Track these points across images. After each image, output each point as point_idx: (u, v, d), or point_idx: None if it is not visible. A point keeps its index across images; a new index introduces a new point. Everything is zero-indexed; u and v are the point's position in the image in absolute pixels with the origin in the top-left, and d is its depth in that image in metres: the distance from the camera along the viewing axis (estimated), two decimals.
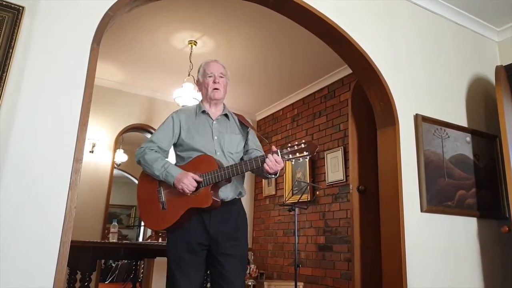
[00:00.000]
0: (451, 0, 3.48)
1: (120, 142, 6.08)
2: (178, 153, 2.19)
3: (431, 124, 3.14)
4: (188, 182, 1.96)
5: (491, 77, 3.60)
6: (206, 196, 1.97)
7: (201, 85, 2.27)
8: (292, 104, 5.74)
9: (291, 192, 4.90)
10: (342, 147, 4.58)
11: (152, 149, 2.13)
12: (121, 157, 7.43)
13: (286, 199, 5.05)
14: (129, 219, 11.42)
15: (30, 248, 1.73)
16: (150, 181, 2.13)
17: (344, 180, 4.45)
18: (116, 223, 3.95)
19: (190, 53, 4.43)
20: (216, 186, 2.01)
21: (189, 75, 4.40)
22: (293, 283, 3.64)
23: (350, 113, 4.22)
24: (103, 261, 7.62)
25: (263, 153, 2.14)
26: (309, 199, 4.81)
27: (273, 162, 1.90)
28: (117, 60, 4.91)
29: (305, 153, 1.87)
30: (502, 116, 3.02)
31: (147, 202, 2.14)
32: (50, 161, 1.84)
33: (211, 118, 2.20)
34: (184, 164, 2.11)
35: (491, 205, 3.31)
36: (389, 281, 2.79)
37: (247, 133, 2.26)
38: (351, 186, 4.00)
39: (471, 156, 3.32)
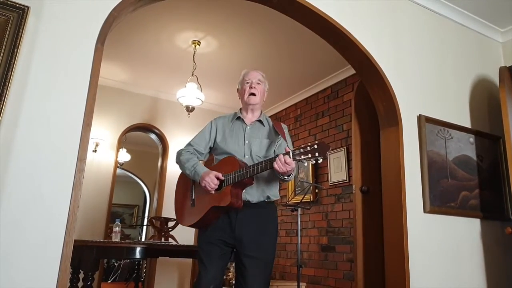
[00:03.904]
0: (455, 1, 3.47)
1: (123, 141, 6.10)
2: (214, 156, 2.35)
3: (435, 124, 3.13)
4: (210, 180, 2.08)
5: (495, 78, 3.58)
6: (225, 195, 2.06)
7: (239, 92, 2.41)
8: (295, 104, 5.74)
9: (293, 192, 4.89)
10: (345, 147, 4.57)
11: (188, 151, 2.31)
12: (124, 156, 7.43)
13: (289, 200, 5.04)
14: (131, 219, 11.44)
15: (34, 248, 1.74)
16: (186, 180, 2.34)
17: (347, 181, 4.45)
18: (119, 223, 3.95)
19: (194, 53, 4.43)
20: (240, 187, 2.09)
21: (192, 75, 4.40)
22: (296, 284, 3.64)
23: (353, 114, 4.22)
24: (105, 260, 7.65)
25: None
26: (311, 200, 4.81)
27: (282, 162, 1.93)
28: (121, 60, 4.92)
29: (316, 155, 1.87)
30: (506, 117, 3.01)
31: (181, 199, 2.36)
32: (54, 160, 1.84)
33: (245, 123, 2.32)
34: (213, 165, 2.24)
35: (495, 206, 3.30)
36: (392, 282, 2.79)
37: (279, 139, 2.29)
38: (354, 186, 4.00)
39: (474, 157, 3.31)
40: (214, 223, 2.15)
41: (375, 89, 3.09)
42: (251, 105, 2.32)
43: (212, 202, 2.11)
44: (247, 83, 2.33)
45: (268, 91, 2.43)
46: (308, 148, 1.90)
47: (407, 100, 3.06)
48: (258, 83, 2.34)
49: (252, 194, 2.14)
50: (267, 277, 2.14)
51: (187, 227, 2.39)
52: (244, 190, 2.11)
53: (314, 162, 1.90)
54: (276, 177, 2.19)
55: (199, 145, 2.32)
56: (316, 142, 1.90)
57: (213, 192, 2.10)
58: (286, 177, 2.09)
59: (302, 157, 1.91)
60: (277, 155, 1.96)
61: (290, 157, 1.93)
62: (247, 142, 2.24)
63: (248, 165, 2.09)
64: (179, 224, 4.28)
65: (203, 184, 2.11)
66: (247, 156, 2.20)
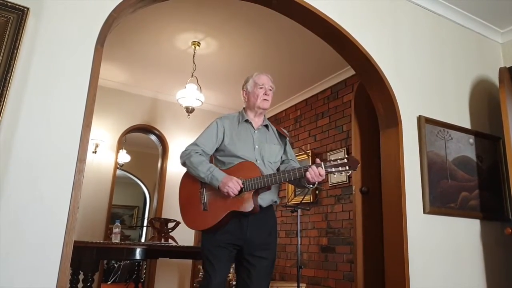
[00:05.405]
0: (455, 2, 3.47)
1: (123, 142, 6.09)
2: (219, 157, 2.29)
3: (434, 125, 3.13)
4: (233, 185, 2.06)
5: (495, 79, 3.59)
6: (248, 201, 2.08)
7: (249, 94, 2.36)
8: (295, 105, 5.74)
9: (293, 193, 4.90)
10: (345, 148, 4.57)
11: (197, 152, 2.22)
12: (124, 157, 7.43)
13: (289, 200, 5.04)
14: (131, 220, 11.43)
15: (34, 248, 1.74)
16: (192, 182, 2.23)
17: (347, 182, 4.45)
18: (118, 224, 3.96)
19: (194, 54, 4.43)
20: (257, 192, 2.11)
21: (192, 76, 4.40)
22: (296, 285, 3.64)
23: (353, 114, 4.22)
24: (105, 261, 7.64)
25: (298, 163, 2.34)
26: (311, 200, 4.81)
27: (316, 173, 2.03)
28: (121, 61, 4.92)
29: (347, 168, 2.02)
30: (506, 118, 3.02)
31: (188, 202, 2.24)
32: (54, 161, 1.84)
33: (253, 127, 2.31)
34: (227, 168, 2.19)
35: (494, 206, 3.30)
36: (392, 283, 2.79)
37: (285, 143, 2.40)
38: (353, 187, 4.01)
39: (474, 157, 3.31)
40: (224, 227, 2.14)
41: (375, 90, 3.09)
42: (263, 109, 2.33)
43: (230, 206, 2.09)
44: (261, 87, 2.31)
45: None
46: (339, 161, 2.04)
47: (407, 101, 3.06)
48: (270, 89, 2.34)
49: (264, 199, 2.18)
50: (270, 276, 2.21)
51: (187, 228, 2.38)
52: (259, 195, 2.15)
53: (342, 174, 2.07)
54: (296, 183, 2.29)
55: (206, 146, 2.25)
56: (346, 156, 2.08)
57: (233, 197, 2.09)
58: (311, 186, 2.15)
59: (333, 169, 2.04)
60: (308, 166, 2.06)
61: (322, 169, 2.03)
62: (257, 147, 2.24)
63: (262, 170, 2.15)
64: (179, 225, 4.29)
65: (225, 190, 2.05)
66: (258, 161, 2.21)
